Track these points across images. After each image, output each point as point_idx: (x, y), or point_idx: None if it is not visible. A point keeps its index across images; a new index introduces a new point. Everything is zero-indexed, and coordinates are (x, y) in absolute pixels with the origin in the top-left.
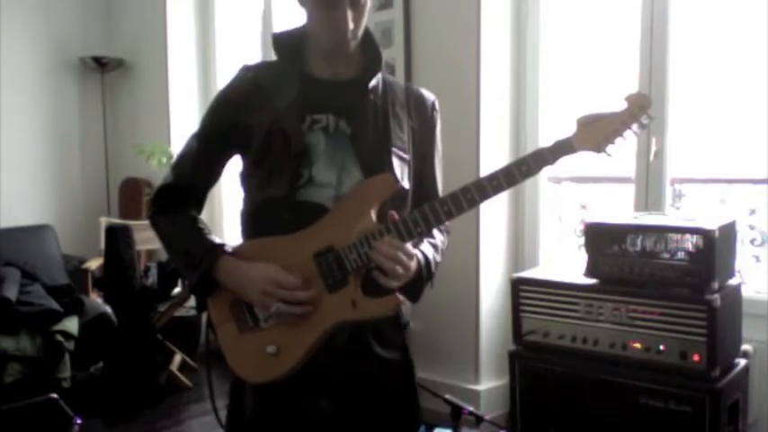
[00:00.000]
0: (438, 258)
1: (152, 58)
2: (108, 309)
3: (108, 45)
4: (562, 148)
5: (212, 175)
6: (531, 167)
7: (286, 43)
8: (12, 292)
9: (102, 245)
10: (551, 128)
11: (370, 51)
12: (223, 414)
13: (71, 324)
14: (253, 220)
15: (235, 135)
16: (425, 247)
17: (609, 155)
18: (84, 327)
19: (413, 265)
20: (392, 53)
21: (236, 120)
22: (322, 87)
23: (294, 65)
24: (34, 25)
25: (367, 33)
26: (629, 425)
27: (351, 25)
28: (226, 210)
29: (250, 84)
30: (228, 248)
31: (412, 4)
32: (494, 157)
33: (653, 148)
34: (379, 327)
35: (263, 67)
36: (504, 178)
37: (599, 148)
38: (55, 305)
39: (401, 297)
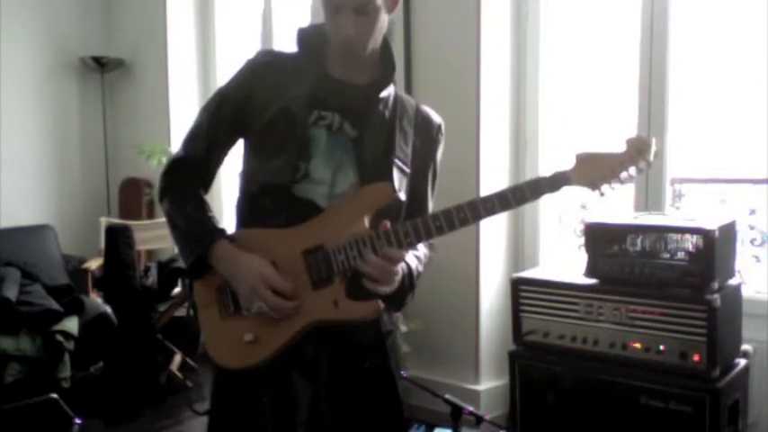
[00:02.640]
0: (421, 269)
1: (152, 58)
2: (108, 309)
3: (108, 45)
4: (559, 181)
5: (223, 153)
6: (525, 195)
7: (309, 38)
8: (12, 292)
9: (102, 245)
10: (551, 129)
11: (385, 62)
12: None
13: (71, 324)
14: (248, 210)
15: (244, 113)
16: (409, 257)
17: (602, 194)
18: (84, 327)
19: (398, 277)
20: None
21: (246, 100)
22: (334, 86)
23: (312, 60)
24: (34, 25)
25: (385, 44)
26: (629, 425)
27: (352, 31)
28: (225, 207)
29: (265, 67)
30: (227, 234)
31: (412, 4)
32: (493, 157)
33: (653, 149)
34: (356, 334)
35: (280, 54)
36: (498, 201)
37: (594, 185)
38: (55, 305)
39: (382, 305)
